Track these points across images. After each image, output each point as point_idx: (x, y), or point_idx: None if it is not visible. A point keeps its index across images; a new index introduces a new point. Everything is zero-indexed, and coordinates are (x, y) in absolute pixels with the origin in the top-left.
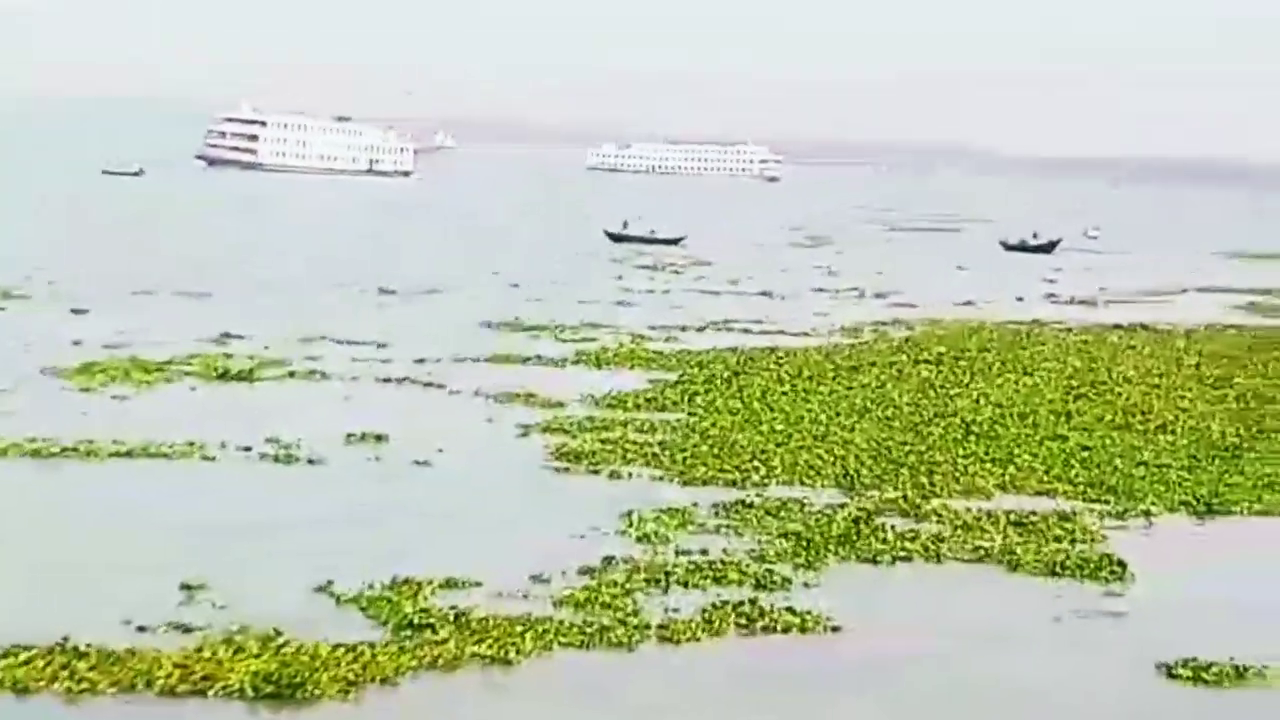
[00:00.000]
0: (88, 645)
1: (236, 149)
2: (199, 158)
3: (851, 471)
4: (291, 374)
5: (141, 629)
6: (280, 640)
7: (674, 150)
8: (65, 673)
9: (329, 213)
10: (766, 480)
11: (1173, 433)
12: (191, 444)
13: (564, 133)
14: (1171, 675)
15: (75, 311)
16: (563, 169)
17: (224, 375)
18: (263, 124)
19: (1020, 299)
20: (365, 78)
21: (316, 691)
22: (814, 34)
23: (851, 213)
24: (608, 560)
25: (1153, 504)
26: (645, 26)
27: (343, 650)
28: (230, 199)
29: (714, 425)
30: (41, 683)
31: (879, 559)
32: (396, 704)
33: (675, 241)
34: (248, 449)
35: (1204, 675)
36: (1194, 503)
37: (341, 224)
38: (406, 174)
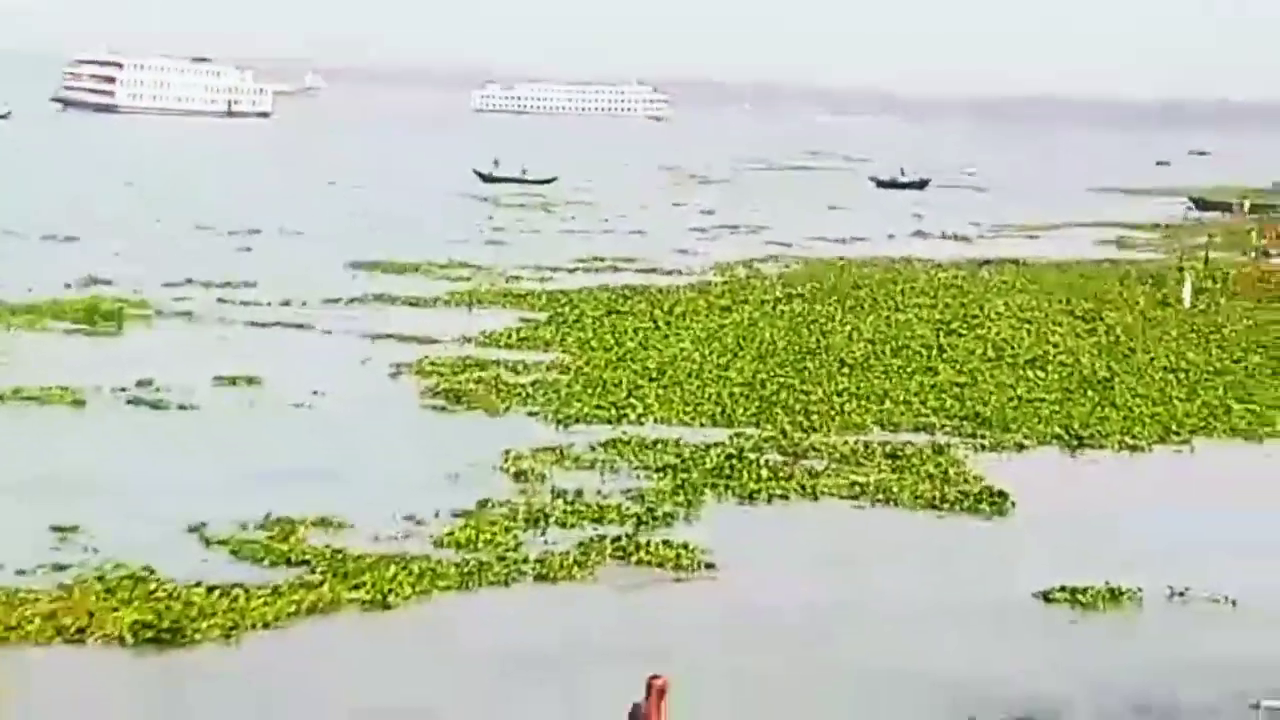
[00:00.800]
0: None
1: (93, 91)
2: (55, 100)
3: (728, 409)
4: (160, 315)
5: (21, 572)
6: (155, 584)
7: (559, 91)
8: None
9: (189, 155)
10: (643, 418)
11: (1044, 367)
12: (63, 389)
13: (449, 76)
14: (1049, 600)
15: None
16: (448, 111)
17: (92, 319)
18: (119, 66)
19: (891, 236)
20: (231, 17)
21: (197, 637)
22: None
23: (728, 152)
24: (484, 501)
25: (1026, 437)
26: None
27: (219, 594)
28: (90, 143)
29: (588, 364)
30: None
31: (756, 496)
32: (276, 651)
33: (548, 181)
34: (122, 391)
35: (1080, 599)
36: (1066, 436)
37: (203, 166)
38: (265, 115)
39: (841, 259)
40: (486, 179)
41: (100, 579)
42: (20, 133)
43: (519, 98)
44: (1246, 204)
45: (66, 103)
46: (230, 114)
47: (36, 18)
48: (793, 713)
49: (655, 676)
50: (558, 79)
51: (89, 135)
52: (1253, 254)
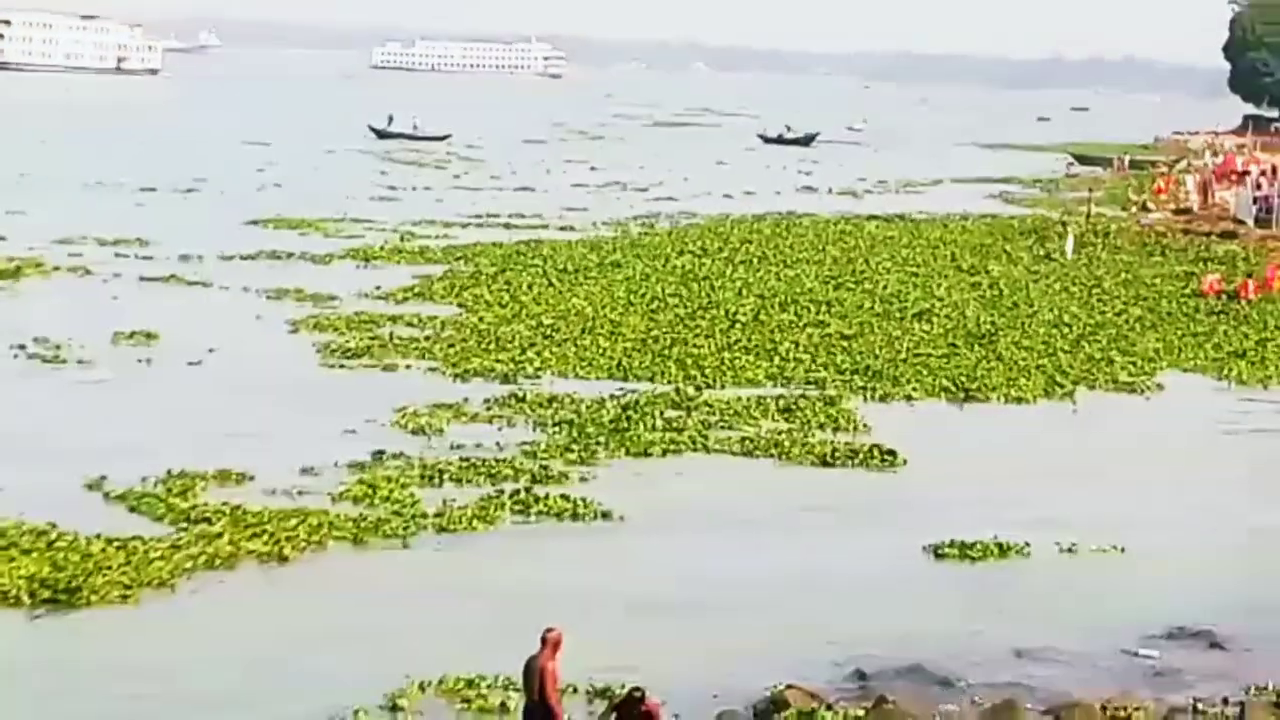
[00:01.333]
0: None
1: None
2: None
3: (621, 363)
4: (55, 271)
5: None
6: (53, 537)
7: (457, 48)
8: None
9: (78, 111)
10: (539, 373)
11: (930, 321)
12: None
13: (348, 35)
14: (939, 555)
15: None
16: (348, 69)
17: None
18: (6, 22)
19: (778, 191)
20: None
21: (95, 596)
22: None
23: (615, 109)
24: (379, 454)
25: (914, 390)
26: None
27: (117, 548)
28: None
29: (482, 319)
30: None
31: (650, 451)
32: (175, 607)
33: (441, 138)
34: (19, 348)
35: (969, 554)
36: (953, 389)
37: (92, 122)
38: (154, 72)
39: (730, 215)
40: (380, 135)
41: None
42: None
43: (416, 55)
44: (1126, 159)
45: None
46: (119, 70)
47: None
48: (682, 642)
49: (549, 629)
50: (455, 37)
51: None
52: (1133, 209)
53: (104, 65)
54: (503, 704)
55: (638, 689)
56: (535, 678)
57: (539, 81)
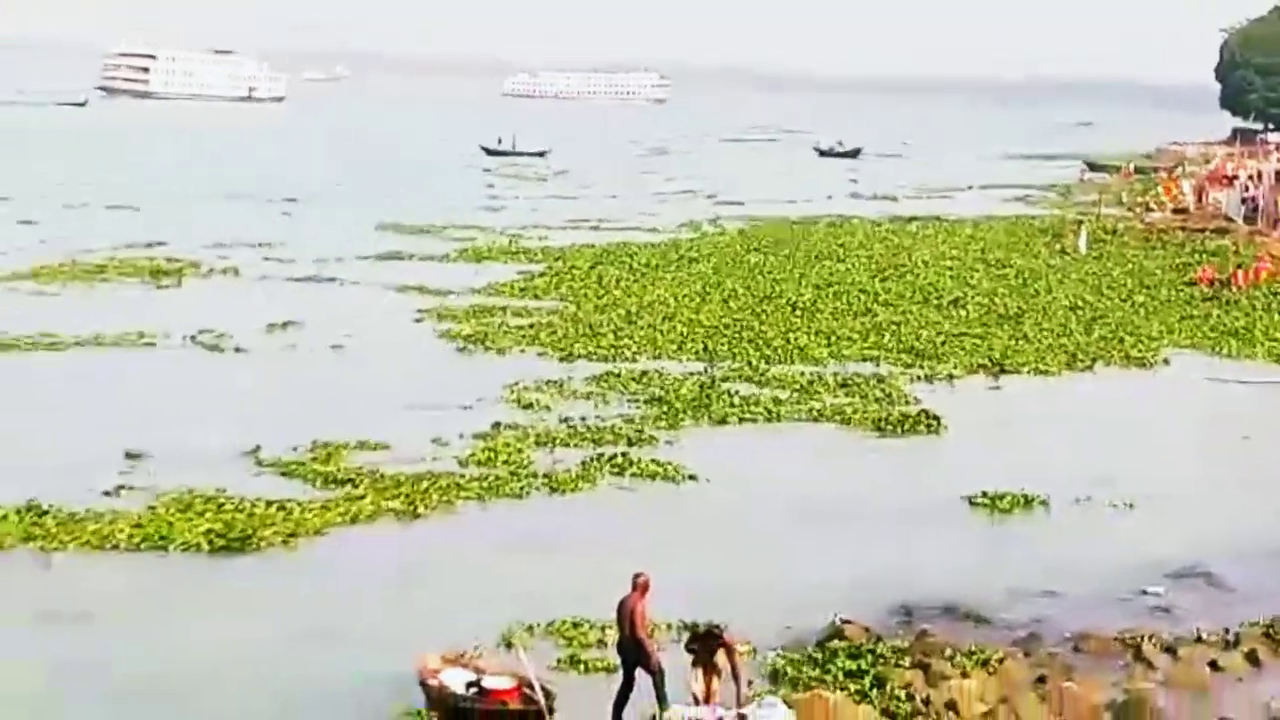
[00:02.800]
0: (50, 506)
1: (131, 79)
2: (98, 88)
3: (700, 345)
4: (211, 272)
5: (108, 493)
6: (222, 500)
7: (575, 78)
8: (38, 530)
9: (220, 133)
10: (636, 355)
11: (964, 307)
12: (140, 334)
13: (481, 67)
14: (973, 504)
15: (23, 220)
16: (478, 97)
17: (156, 275)
18: (153, 57)
19: (830, 197)
20: (266, 14)
21: (261, 543)
22: None
23: (696, 128)
24: (496, 425)
25: (954, 366)
26: None
27: (277, 508)
28: (136, 125)
29: (580, 309)
30: (12, 541)
31: (727, 420)
32: (326, 553)
33: (541, 154)
34: (190, 338)
35: (998, 504)
36: (987, 365)
37: (233, 143)
38: (280, 100)
39: (789, 217)
40: (491, 153)
41: (177, 498)
42: (83, 117)
43: (542, 84)
44: (1131, 166)
45: (108, 90)
46: (250, 99)
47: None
48: (754, 584)
49: (639, 574)
50: (576, 67)
51: (134, 118)
52: (1137, 210)
53: (236, 94)
54: (600, 640)
55: (716, 625)
56: (626, 617)
57: (645, 105)
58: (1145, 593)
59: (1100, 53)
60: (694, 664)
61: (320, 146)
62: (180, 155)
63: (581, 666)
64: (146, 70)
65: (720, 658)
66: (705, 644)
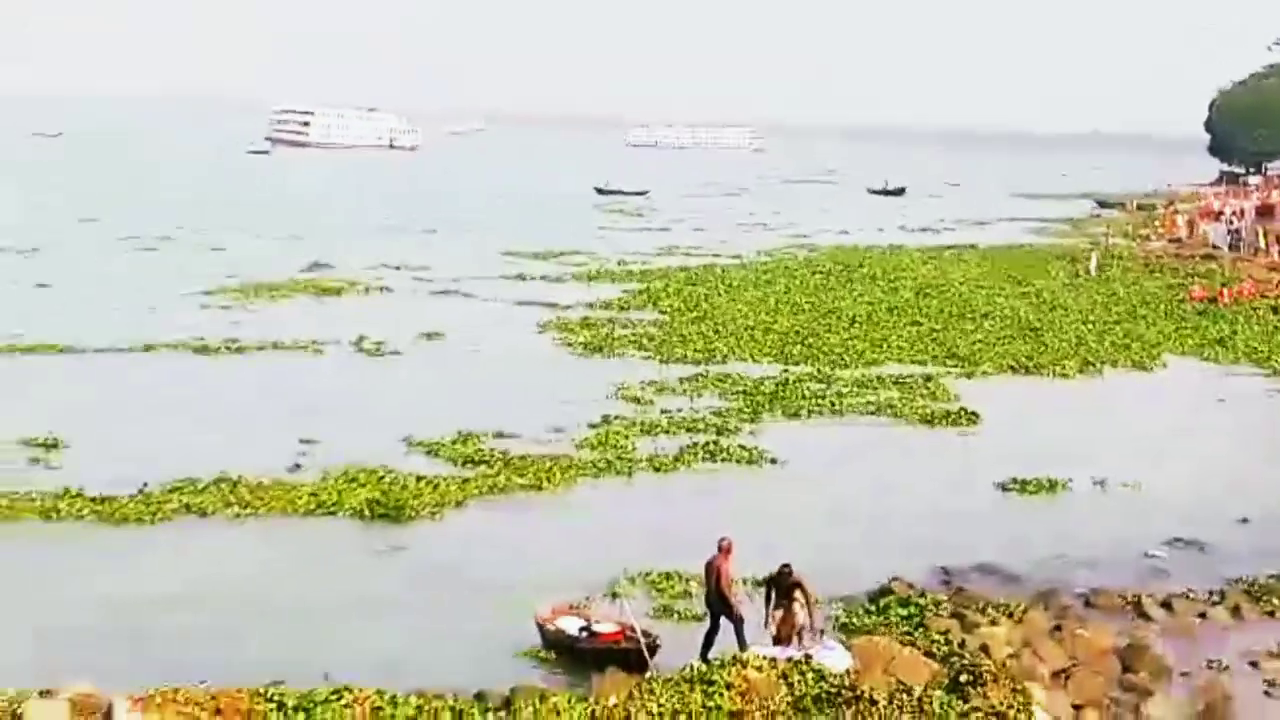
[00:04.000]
0: (239, 477)
1: (293, 132)
2: (267, 139)
3: (777, 351)
4: (368, 290)
5: (290, 467)
6: (381, 474)
7: (685, 131)
8: (223, 498)
9: (366, 177)
10: (722, 359)
11: (994, 319)
12: (313, 341)
13: (609, 121)
14: (1005, 489)
15: (217, 248)
16: (606, 148)
17: (321, 292)
18: (311, 113)
19: (880, 229)
20: (416, 75)
21: (414, 512)
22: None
23: (775, 172)
24: (607, 417)
25: (987, 369)
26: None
27: (426, 483)
28: (300, 168)
29: (674, 321)
30: (197, 508)
31: (800, 413)
32: (468, 519)
33: (643, 193)
34: (353, 344)
35: (1027, 488)
36: (1016, 366)
37: (377, 185)
38: (414, 149)
39: (845, 245)
40: (601, 192)
41: (344, 473)
42: (261, 164)
43: (659, 136)
44: (1134, 203)
45: (274, 141)
46: (391, 147)
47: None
48: (820, 549)
49: (724, 539)
50: (687, 122)
51: (299, 164)
52: (1139, 239)
53: (379, 144)
54: (686, 591)
55: (786, 565)
56: (712, 574)
57: (741, 155)
58: (1147, 556)
59: (1107, 109)
60: (772, 608)
61: (452, 187)
62: (336, 195)
63: (674, 615)
64: (306, 124)
65: (797, 601)
66: (778, 584)
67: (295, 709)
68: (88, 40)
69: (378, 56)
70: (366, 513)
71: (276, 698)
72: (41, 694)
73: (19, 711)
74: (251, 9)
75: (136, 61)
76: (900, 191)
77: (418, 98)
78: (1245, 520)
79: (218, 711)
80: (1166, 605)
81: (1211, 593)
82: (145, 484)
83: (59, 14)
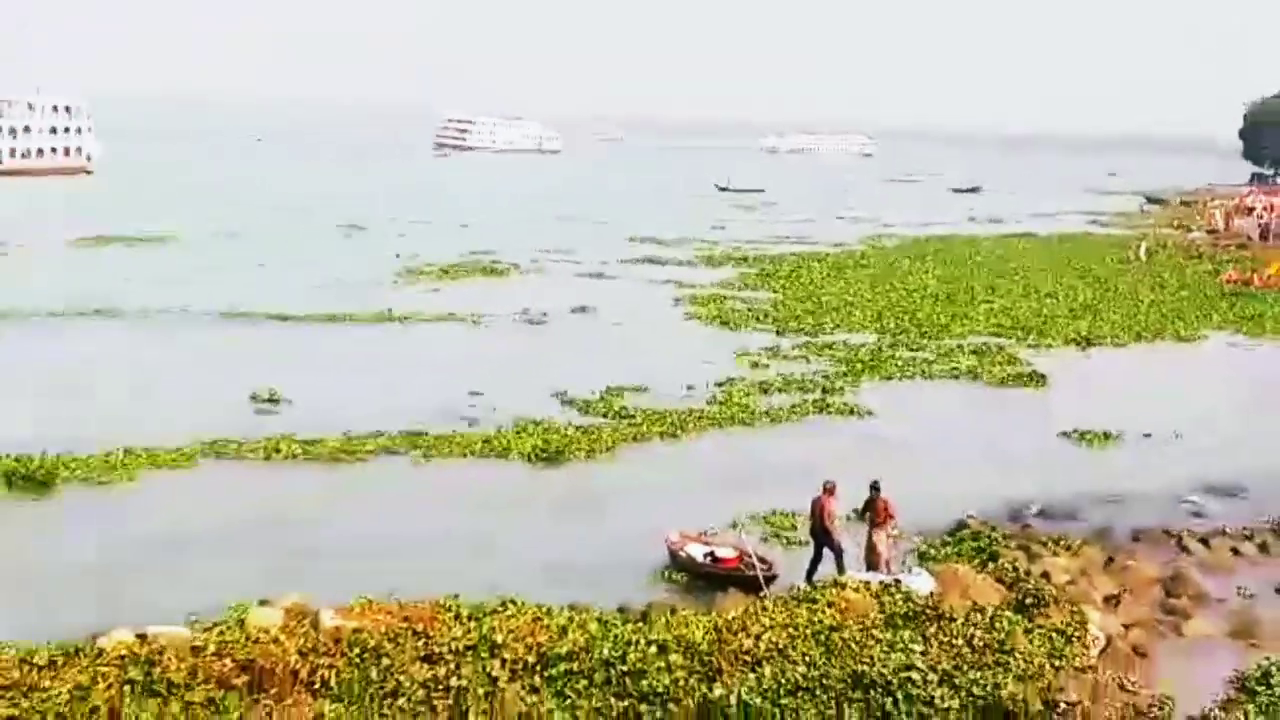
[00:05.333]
0: (425, 426)
1: (456, 138)
2: (436, 144)
3: (873, 323)
4: (526, 272)
5: (466, 417)
6: (543, 426)
7: (808, 138)
8: (412, 443)
9: (521, 176)
10: (828, 330)
11: (1057, 298)
12: (483, 314)
13: (746, 128)
14: (1066, 437)
15: (400, 234)
16: (737, 153)
17: (488, 273)
18: (472, 122)
19: (957, 220)
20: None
21: (570, 456)
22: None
23: (874, 173)
24: (730, 378)
25: (1053, 340)
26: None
27: (581, 431)
28: (466, 168)
29: (785, 298)
30: (390, 450)
31: (893, 376)
32: (615, 460)
33: (758, 190)
34: (518, 315)
35: (1085, 438)
36: (1077, 339)
37: (531, 182)
38: (556, 152)
39: (928, 235)
40: (722, 190)
41: (512, 424)
42: (437, 164)
43: (786, 142)
44: (1178, 199)
45: (440, 145)
46: (538, 151)
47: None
48: (907, 490)
49: (828, 481)
50: (813, 129)
51: (459, 166)
52: (1182, 230)
53: (526, 149)
54: (793, 524)
55: (875, 482)
56: (817, 510)
57: (855, 158)
58: (1186, 501)
59: (1158, 116)
60: (871, 528)
61: (593, 186)
62: (495, 191)
63: (785, 543)
64: (467, 131)
65: (885, 532)
66: (871, 505)
67: (469, 618)
68: (285, 48)
69: (526, 67)
70: (532, 457)
71: (453, 608)
72: (261, 603)
73: (243, 618)
74: (421, 30)
75: (327, 71)
76: (976, 189)
77: (564, 105)
78: (1273, 469)
79: (405, 619)
80: (1204, 541)
81: (1243, 530)
82: (347, 430)
83: (289, 26)
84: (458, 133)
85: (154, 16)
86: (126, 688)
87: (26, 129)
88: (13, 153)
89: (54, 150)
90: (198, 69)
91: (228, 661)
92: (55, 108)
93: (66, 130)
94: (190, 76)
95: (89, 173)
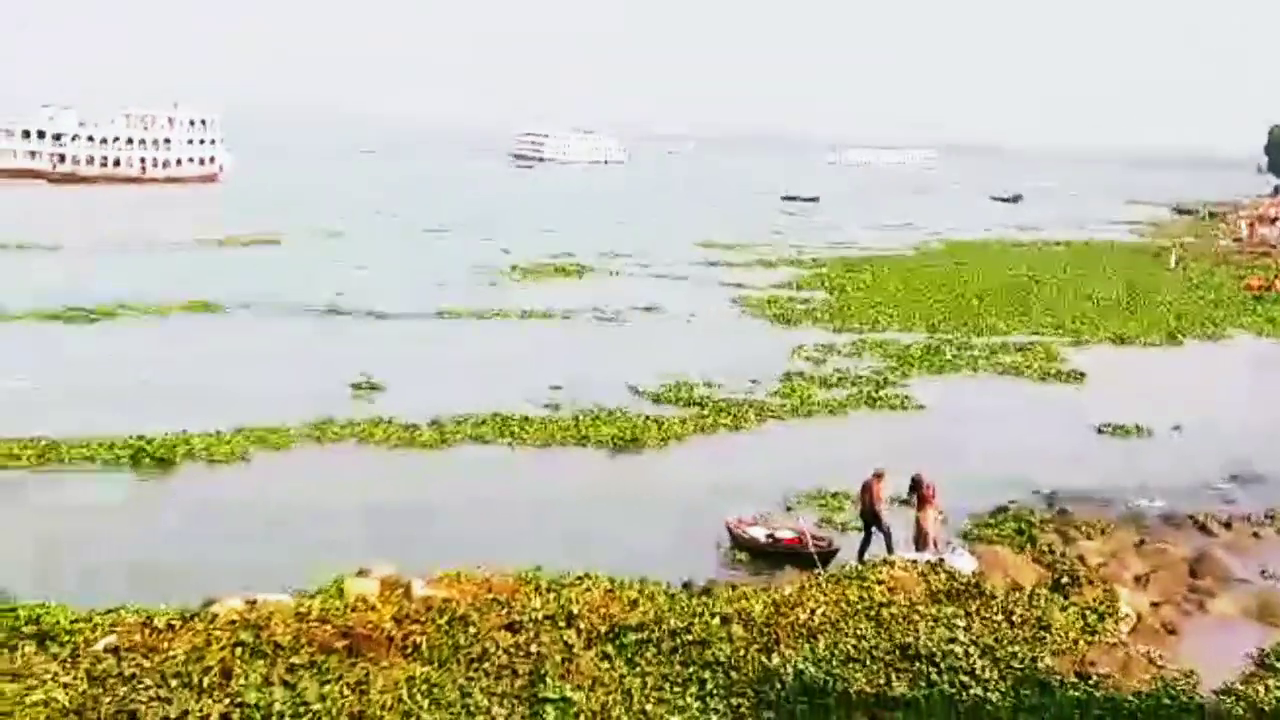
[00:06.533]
0: (510, 414)
1: (531, 151)
2: (512, 155)
3: (924, 322)
4: (598, 272)
5: (547, 406)
6: (619, 415)
7: (870, 152)
8: (498, 429)
9: (592, 184)
10: (880, 328)
11: (1093, 300)
12: (567, 311)
13: (812, 142)
14: (1100, 432)
15: (485, 238)
16: (802, 167)
17: (564, 274)
18: (546, 136)
19: (999, 227)
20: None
21: (644, 444)
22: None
23: (924, 184)
24: (789, 372)
25: (1090, 338)
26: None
27: (653, 421)
28: (541, 179)
29: (838, 298)
30: (477, 436)
31: (942, 371)
32: (686, 447)
33: (815, 199)
34: (595, 311)
35: (1120, 432)
36: (1113, 337)
37: (601, 191)
38: (621, 163)
39: (971, 240)
40: (785, 199)
41: (590, 412)
42: (514, 174)
43: (849, 156)
44: (1205, 209)
45: (517, 158)
46: (605, 163)
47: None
48: (953, 476)
49: (877, 467)
50: (877, 143)
51: (537, 176)
52: (1208, 238)
53: (595, 160)
54: (843, 506)
55: (917, 474)
56: (867, 494)
57: (918, 171)
58: (1214, 487)
59: (1188, 133)
60: (918, 511)
61: (661, 195)
62: (569, 199)
63: (838, 525)
64: (541, 145)
65: (930, 515)
66: (917, 490)
67: (548, 590)
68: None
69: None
70: (610, 444)
71: (534, 580)
72: (359, 574)
73: (342, 587)
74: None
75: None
76: (1016, 199)
77: (633, 118)
78: None
79: (490, 590)
80: (1227, 525)
81: (1264, 515)
82: (437, 417)
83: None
84: (533, 146)
85: (288, 35)
86: (237, 649)
87: (166, 141)
88: (155, 163)
89: (190, 160)
90: (326, 84)
91: (328, 627)
92: (191, 121)
93: (201, 142)
94: (319, 90)
95: (220, 181)
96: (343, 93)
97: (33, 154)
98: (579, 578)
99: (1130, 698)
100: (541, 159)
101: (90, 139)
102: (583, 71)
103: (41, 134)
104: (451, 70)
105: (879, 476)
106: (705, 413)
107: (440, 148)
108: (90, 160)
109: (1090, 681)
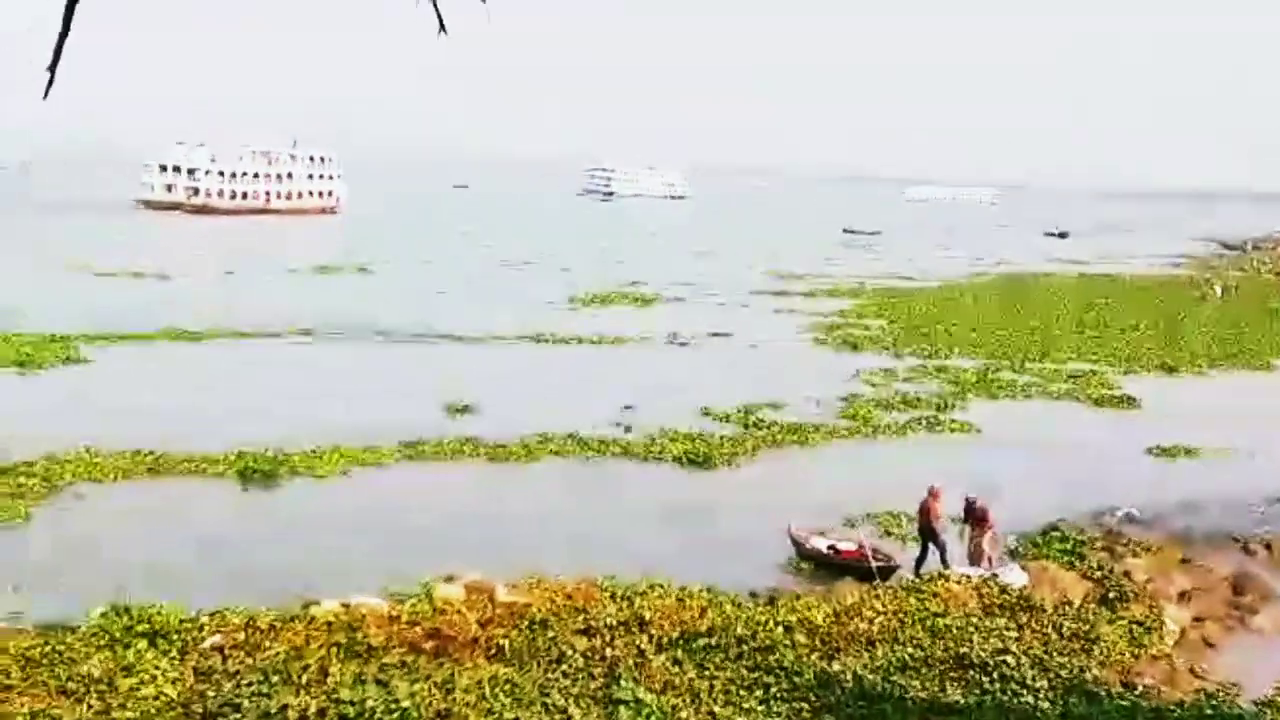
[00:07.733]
0: (585, 435)
1: (600, 185)
2: (584, 190)
3: (979, 349)
4: (667, 301)
5: (621, 426)
6: (692, 435)
7: (938, 190)
8: (577, 447)
9: (657, 217)
10: (939, 355)
11: (1140, 330)
12: (634, 336)
13: (882, 178)
14: (1151, 453)
15: (564, 268)
16: (880, 202)
17: (637, 302)
18: (614, 170)
19: (1050, 260)
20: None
21: (714, 462)
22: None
23: (982, 220)
24: (852, 396)
25: (1140, 367)
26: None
27: (723, 439)
28: (610, 214)
29: (898, 326)
30: (558, 453)
31: (998, 396)
32: (753, 465)
33: (876, 233)
34: (669, 336)
35: (1169, 453)
36: (1162, 366)
37: (670, 223)
38: (685, 197)
39: (1023, 272)
40: (846, 232)
41: (663, 432)
42: (585, 207)
43: (923, 193)
44: (1250, 244)
45: (587, 192)
46: (670, 197)
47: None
48: (1007, 496)
49: (933, 485)
50: (941, 181)
51: (608, 211)
52: (1253, 271)
53: (661, 194)
54: (900, 523)
55: (971, 497)
56: (923, 512)
57: (983, 209)
58: (1255, 509)
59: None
60: (971, 529)
61: (725, 227)
62: (640, 229)
63: (896, 540)
64: (610, 179)
65: (985, 535)
66: (970, 510)
67: (622, 597)
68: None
69: (667, 119)
70: (682, 461)
71: (609, 588)
72: (446, 579)
73: (431, 592)
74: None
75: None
76: (1064, 235)
77: (702, 154)
78: None
79: (567, 596)
80: (1268, 546)
81: None
82: (522, 435)
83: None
84: (603, 180)
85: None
86: (334, 649)
87: (290, 175)
88: (279, 195)
89: (310, 194)
90: (431, 124)
91: (418, 629)
92: (311, 158)
93: (321, 177)
94: (413, 130)
95: (338, 212)
96: (436, 132)
97: (169, 187)
98: (650, 586)
99: (1174, 707)
100: (610, 193)
101: (220, 173)
102: (657, 111)
103: (178, 169)
104: (531, 107)
105: (934, 494)
106: (772, 432)
107: (524, 182)
108: (221, 193)
109: (1136, 691)
